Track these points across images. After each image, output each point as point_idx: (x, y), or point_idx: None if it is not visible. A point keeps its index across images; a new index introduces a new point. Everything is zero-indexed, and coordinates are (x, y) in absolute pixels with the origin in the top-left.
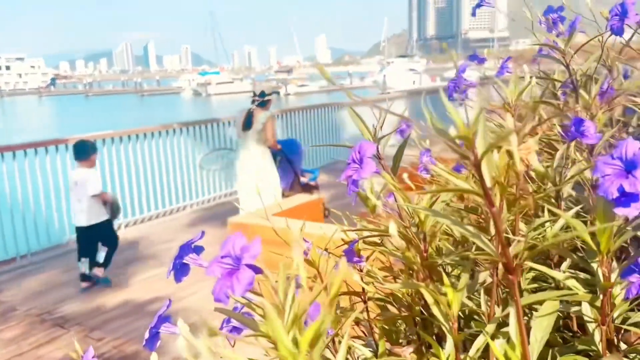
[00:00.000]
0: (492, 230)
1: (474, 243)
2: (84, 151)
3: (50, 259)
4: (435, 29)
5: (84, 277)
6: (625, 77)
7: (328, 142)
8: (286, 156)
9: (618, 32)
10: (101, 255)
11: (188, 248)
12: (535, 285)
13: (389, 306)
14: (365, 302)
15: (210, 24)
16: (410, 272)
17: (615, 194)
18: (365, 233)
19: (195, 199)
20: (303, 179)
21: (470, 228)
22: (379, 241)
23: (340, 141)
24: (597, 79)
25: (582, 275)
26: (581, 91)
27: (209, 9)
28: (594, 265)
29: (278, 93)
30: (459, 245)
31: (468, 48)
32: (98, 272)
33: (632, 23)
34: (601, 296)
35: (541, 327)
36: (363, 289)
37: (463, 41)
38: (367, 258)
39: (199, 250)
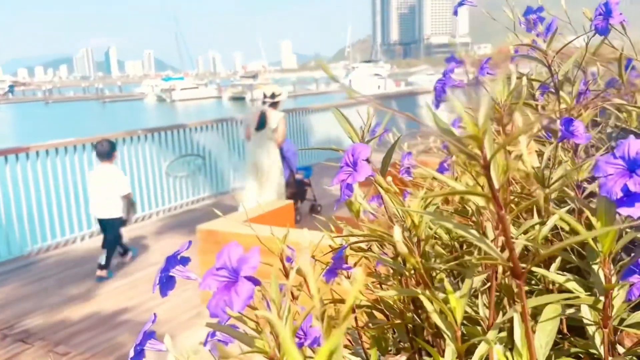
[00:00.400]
0: (490, 234)
1: (474, 247)
2: (104, 150)
3: (11, 271)
4: (399, 34)
5: (99, 266)
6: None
7: (297, 146)
8: (283, 155)
9: (603, 31)
10: (102, 258)
11: (174, 260)
12: (526, 287)
13: (377, 313)
14: (353, 310)
15: (174, 29)
16: (400, 278)
17: (620, 194)
18: (353, 239)
19: (162, 207)
20: (298, 176)
21: (474, 232)
22: (366, 247)
23: (308, 146)
24: (574, 80)
25: (569, 275)
26: (562, 93)
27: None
28: (595, 267)
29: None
30: (451, 249)
31: (430, 53)
32: (101, 273)
33: (616, 23)
34: (602, 298)
35: (546, 332)
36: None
37: (425, 46)
38: (355, 264)
39: (185, 261)
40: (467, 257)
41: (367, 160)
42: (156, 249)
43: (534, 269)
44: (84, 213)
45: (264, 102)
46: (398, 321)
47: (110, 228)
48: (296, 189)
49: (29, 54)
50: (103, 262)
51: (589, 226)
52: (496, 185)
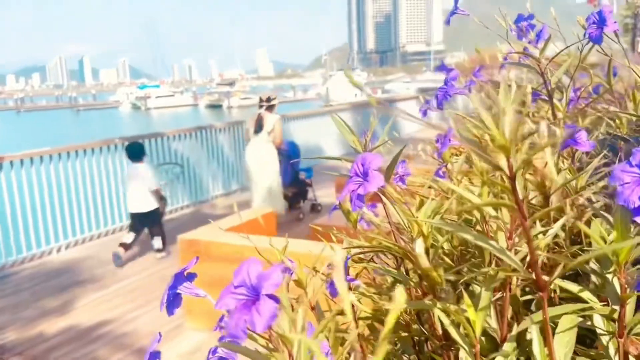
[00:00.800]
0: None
1: (477, 256)
2: (134, 151)
3: None
4: (375, 42)
5: (124, 245)
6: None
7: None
8: (289, 156)
9: (597, 40)
10: (157, 242)
11: (181, 276)
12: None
13: (378, 325)
14: (355, 322)
15: (149, 37)
16: (408, 289)
17: (637, 202)
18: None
19: None
20: (301, 176)
21: (494, 243)
22: (365, 257)
23: None
24: (567, 88)
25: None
26: (555, 100)
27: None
28: (609, 276)
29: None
30: (453, 259)
31: (406, 61)
32: (160, 255)
33: (610, 31)
34: (618, 308)
35: (563, 343)
36: (352, 307)
37: (401, 54)
38: (357, 275)
39: (192, 277)
40: (484, 269)
41: (379, 170)
42: (133, 260)
43: (565, 284)
44: (60, 224)
45: (260, 106)
46: (404, 334)
47: (151, 219)
48: (298, 189)
49: (1, 63)
50: (160, 247)
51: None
52: (520, 196)
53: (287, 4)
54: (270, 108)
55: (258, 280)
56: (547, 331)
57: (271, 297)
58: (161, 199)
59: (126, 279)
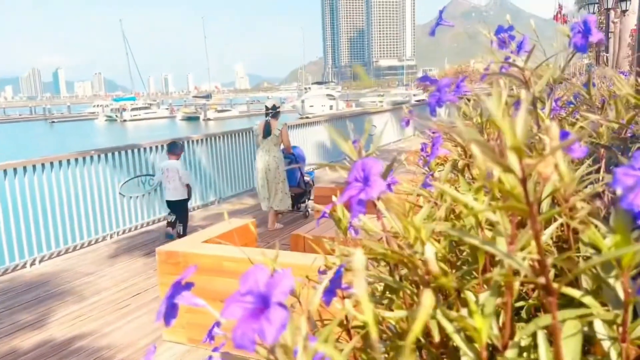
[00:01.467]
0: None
1: (472, 262)
2: (173, 148)
3: None
4: (349, 57)
5: (170, 224)
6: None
7: (250, 166)
8: (296, 160)
9: (582, 48)
10: (181, 228)
11: (180, 286)
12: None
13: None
14: (348, 331)
15: (125, 49)
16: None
17: None
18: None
19: (116, 228)
20: (306, 178)
21: (501, 248)
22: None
23: None
24: (549, 96)
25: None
26: (539, 110)
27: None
28: (610, 280)
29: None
30: (452, 266)
31: (380, 75)
32: (173, 232)
33: (595, 40)
34: (620, 313)
35: (570, 349)
36: (346, 316)
37: (375, 69)
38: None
39: (190, 287)
40: (489, 274)
41: (380, 175)
42: (111, 272)
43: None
44: (34, 236)
45: (266, 114)
46: (400, 342)
47: (179, 207)
48: (303, 190)
49: None
50: (182, 232)
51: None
52: (531, 198)
53: (263, 19)
54: (275, 115)
55: (267, 287)
56: (558, 337)
57: (281, 305)
58: (189, 189)
59: (104, 291)
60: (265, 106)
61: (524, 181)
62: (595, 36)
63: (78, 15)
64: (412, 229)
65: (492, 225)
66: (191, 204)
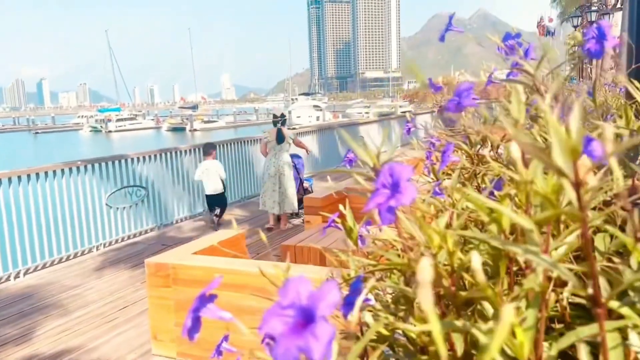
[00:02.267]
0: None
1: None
2: (209, 149)
3: None
4: (335, 69)
5: (217, 216)
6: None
7: (243, 177)
8: (296, 166)
9: (596, 54)
10: (219, 212)
11: (204, 298)
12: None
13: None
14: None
15: (110, 60)
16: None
17: None
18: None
19: (103, 240)
20: (305, 184)
21: (546, 258)
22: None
23: (253, 174)
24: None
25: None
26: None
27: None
28: None
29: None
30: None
31: (365, 87)
32: (216, 219)
33: (610, 46)
34: None
35: None
36: (361, 329)
37: (361, 80)
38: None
39: (214, 299)
40: (527, 286)
41: (411, 181)
42: (98, 285)
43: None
44: (19, 248)
45: (275, 123)
46: (423, 357)
47: (221, 199)
48: (302, 195)
49: None
50: (219, 215)
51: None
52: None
53: (250, 30)
54: (284, 123)
55: (311, 300)
56: (606, 350)
57: (326, 320)
58: (223, 183)
59: (91, 304)
60: (274, 115)
61: (577, 185)
62: (611, 41)
63: (63, 25)
64: (436, 236)
65: (512, 233)
66: (179, 215)
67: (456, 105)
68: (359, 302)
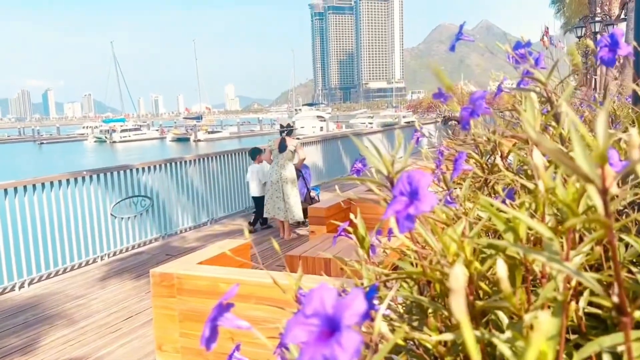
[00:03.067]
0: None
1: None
2: (254, 154)
3: None
4: (339, 79)
5: (249, 222)
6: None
7: (247, 187)
8: (303, 175)
9: (609, 62)
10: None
11: (222, 307)
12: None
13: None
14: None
15: (115, 71)
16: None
17: None
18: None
19: (107, 250)
20: (312, 193)
21: (569, 265)
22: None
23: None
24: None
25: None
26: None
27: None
28: None
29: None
30: (494, 285)
31: (369, 97)
32: (250, 229)
33: (623, 54)
34: None
35: None
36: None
37: (364, 91)
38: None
39: (230, 308)
40: (545, 294)
41: (429, 189)
42: (102, 295)
43: None
44: (23, 258)
45: (281, 132)
46: None
47: (257, 202)
48: (310, 204)
49: None
50: (252, 221)
51: None
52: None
53: (254, 41)
54: (289, 133)
55: (336, 309)
56: (631, 358)
57: (352, 329)
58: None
59: (96, 314)
60: (280, 125)
61: (604, 192)
62: (624, 50)
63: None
64: (453, 244)
65: (527, 242)
66: (183, 225)
67: (470, 113)
68: (381, 311)
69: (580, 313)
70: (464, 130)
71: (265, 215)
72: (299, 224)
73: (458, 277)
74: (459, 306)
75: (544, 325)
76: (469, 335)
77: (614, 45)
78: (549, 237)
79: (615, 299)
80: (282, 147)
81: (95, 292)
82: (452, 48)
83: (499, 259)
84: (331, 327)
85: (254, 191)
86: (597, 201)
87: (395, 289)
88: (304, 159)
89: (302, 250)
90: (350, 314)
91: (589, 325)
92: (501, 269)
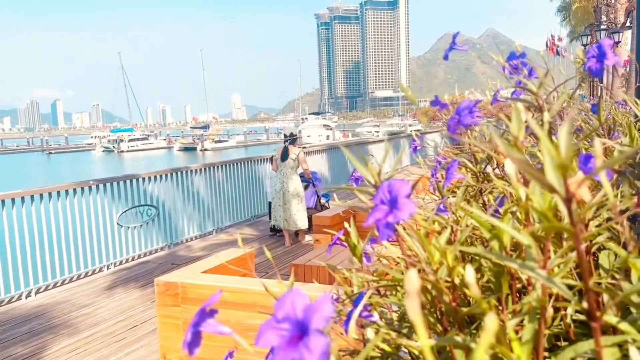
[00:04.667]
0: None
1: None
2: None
3: None
4: (345, 88)
5: (271, 229)
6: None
7: (253, 195)
8: (313, 183)
9: (597, 73)
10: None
11: (204, 313)
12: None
13: None
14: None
15: (123, 80)
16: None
17: None
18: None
19: (113, 259)
20: (322, 200)
21: (542, 272)
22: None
23: (264, 194)
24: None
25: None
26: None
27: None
28: None
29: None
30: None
31: (375, 106)
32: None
33: (611, 64)
34: None
35: None
36: (364, 345)
37: (370, 99)
38: (370, 311)
39: (214, 314)
40: (526, 299)
41: (409, 197)
42: (108, 304)
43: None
44: (30, 268)
45: (285, 141)
46: None
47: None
48: (320, 211)
49: None
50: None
51: None
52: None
53: (260, 51)
54: (292, 142)
55: (305, 313)
56: None
57: (321, 332)
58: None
59: (102, 323)
60: (284, 134)
61: (568, 201)
62: (612, 59)
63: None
64: (437, 253)
65: (515, 249)
66: (189, 234)
67: (456, 123)
68: (355, 314)
69: (569, 320)
70: (452, 140)
71: (272, 223)
72: (309, 231)
73: (413, 280)
74: (413, 308)
75: (490, 325)
76: (424, 337)
77: (601, 56)
78: (527, 243)
79: (584, 304)
80: (284, 156)
81: (101, 301)
82: (446, 57)
83: (468, 265)
84: (301, 331)
85: (271, 196)
86: (563, 209)
87: (367, 296)
88: (308, 169)
89: (307, 259)
90: (319, 318)
91: (581, 332)
92: (469, 275)
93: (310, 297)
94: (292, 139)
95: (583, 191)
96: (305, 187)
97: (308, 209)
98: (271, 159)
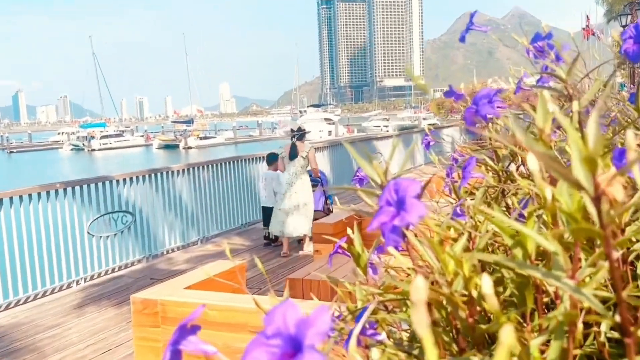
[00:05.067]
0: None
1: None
2: (271, 160)
3: None
4: (349, 76)
5: (265, 237)
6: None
7: (243, 201)
8: (322, 184)
9: (635, 57)
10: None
11: (185, 330)
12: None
13: None
14: None
15: (94, 69)
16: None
17: None
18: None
19: (83, 274)
20: (327, 203)
21: (569, 282)
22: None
23: (256, 199)
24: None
25: None
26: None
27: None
28: None
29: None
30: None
31: (384, 96)
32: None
33: None
34: None
35: None
36: None
37: (379, 89)
38: (375, 329)
39: (196, 330)
40: (552, 313)
41: (418, 198)
42: (78, 325)
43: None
44: None
45: (292, 137)
46: None
47: (268, 210)
48: (327, 215)
49: None
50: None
51: None
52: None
53: (252, 34)
54: (301, 138)
55: (298, 327)
56: None
57: (315, 349)
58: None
59: (71, 347)
60: (291, 129)
61: (597, 199)
62: None
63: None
64: (451, 261)
65: (541, 258)
66: (170, 245)
67: (473, 114)
68: (356, 330)
69: (602, 338)
70: (471, 135)
71: (267, 231)
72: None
73: (419, 288)
74: (420, 320)
75: (506, 338)
76: (432, 355)
77: (639, 36)
78: (553, 251)
79: (617, 317)
80: (293, 154)
81: (70, 322)
82: (462, 39)
83: (484, 274)
84: (294, 348)
85: (267, 201)
86: (591, 209)
87: (370, 310)
88: (317, 168)
89: (305, 273)
90: (314, 333)
91: (616, 352)
92: (486, 284)
93: (307, 314)
94: (300, 134)
95: (615, 189)
96: (313, 188)
97: (315, 211)
98: (266, 158)
